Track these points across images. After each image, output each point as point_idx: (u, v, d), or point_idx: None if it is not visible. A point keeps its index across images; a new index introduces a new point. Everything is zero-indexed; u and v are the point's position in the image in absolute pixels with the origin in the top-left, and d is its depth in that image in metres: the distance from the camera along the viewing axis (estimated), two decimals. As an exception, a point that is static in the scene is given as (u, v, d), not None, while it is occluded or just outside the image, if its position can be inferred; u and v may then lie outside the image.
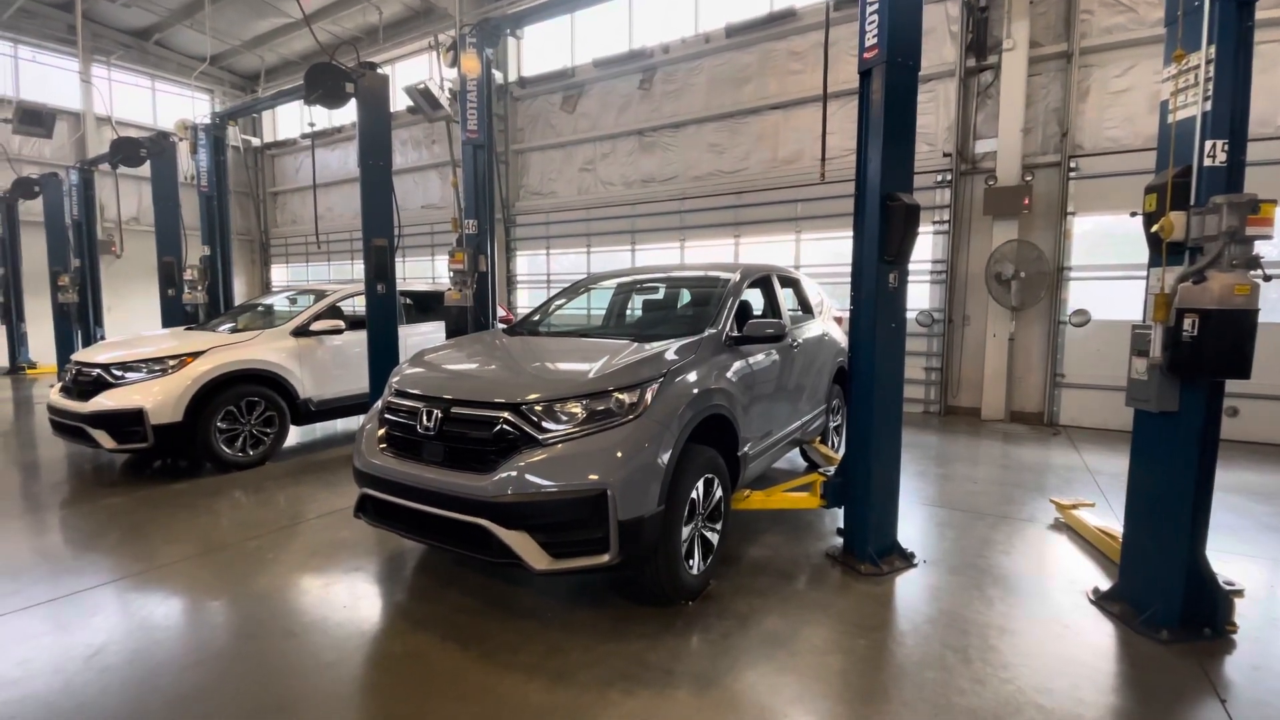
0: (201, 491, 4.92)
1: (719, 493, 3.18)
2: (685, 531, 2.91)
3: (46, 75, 13.47)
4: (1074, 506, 4.09)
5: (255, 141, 16.17)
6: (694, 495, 2.95)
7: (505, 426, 2.64)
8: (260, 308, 7.19)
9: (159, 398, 5.08)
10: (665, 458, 2.67)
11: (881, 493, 3.52)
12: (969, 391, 8.07)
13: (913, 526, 4.06)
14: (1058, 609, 2.99)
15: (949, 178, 7.91)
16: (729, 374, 3.37)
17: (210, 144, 7.44)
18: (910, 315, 8.09)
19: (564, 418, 2.64)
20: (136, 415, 5.01)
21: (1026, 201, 7.27)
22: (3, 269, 11.78)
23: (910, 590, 3.21)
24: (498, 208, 11.89)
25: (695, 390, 2.98)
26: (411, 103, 10.02)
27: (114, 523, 4.26)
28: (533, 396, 2.68)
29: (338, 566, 3.51)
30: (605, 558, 2.54)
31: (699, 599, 3.07)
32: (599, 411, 2.66)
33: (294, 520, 4.27)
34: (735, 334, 3.57)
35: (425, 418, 2.83)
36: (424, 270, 13.42)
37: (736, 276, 4.05)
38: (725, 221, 9.59)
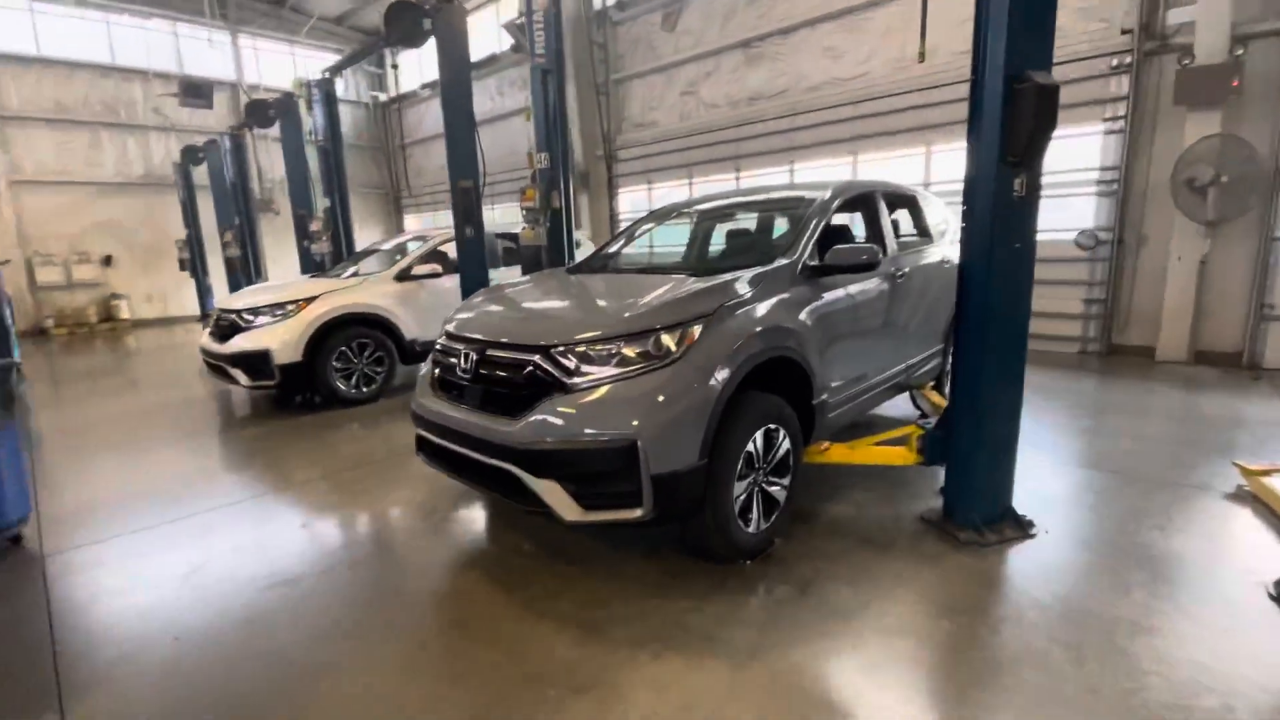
0: (323, 424, 5.38)
1: (785, 445, 2.82)
2: (740, 487, 2.61)
3: (203, 51, 14.97)
4: (1266, 473, 3.21)
5: (383, 97, 17.03)
6: (751, 448, 2.62)
7: (535, 370, 2.46)
8: (374, 254, 7.61)
9: (282, 339, 5.55)
10: (708, 406, 2.36)
11: (992, 448, 2.96)
12: (1141, 327, 6.72)
13: (1038, 489, 3.42)
14: (1222, 603, 2.34)
15: (1129, 60, 6.36)
16: (803, 311, 2.93)
17: (323, 99, 7.82)
18: (1067, 236, 6.83)
19: (595, 361, 2.40)
20: (264, 356, 5.52)
21: (1235, 83, 5.66)
22: (187, 229, 13.58)
23: (1020, 567, 2.69)
24: (598, 144, 11.65)
25: (753, 330, 2.60)
26: (514, 41, 9.89)
27: (252, 450, 4.78)
28: (562, 338, 2.46)
29: (421, 499, 3.64)
30: (638, 512, 2.33)
31: (759, 559, 2.78)
32: (634, 354, 2.39)
33: (390, 454, 4.51)
34: (815, 263, 3.09)
35: (464, 360, 2.74)
36: (534, 212, 13.56)
37: (824, 196, 3.49)
38: (841, 137, 8.57)
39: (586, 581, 2.69)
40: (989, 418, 2.93)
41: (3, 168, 12.68)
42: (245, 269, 11.29)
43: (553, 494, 2.36)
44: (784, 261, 3.02)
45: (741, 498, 2.65)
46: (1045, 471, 3.69)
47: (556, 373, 2.41)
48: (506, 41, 12.58)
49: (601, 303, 2.86)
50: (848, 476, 3.63)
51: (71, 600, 2.75)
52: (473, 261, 5.70)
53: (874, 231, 3.93)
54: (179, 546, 3.21)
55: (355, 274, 6.60)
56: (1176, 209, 6.07)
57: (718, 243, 4.48)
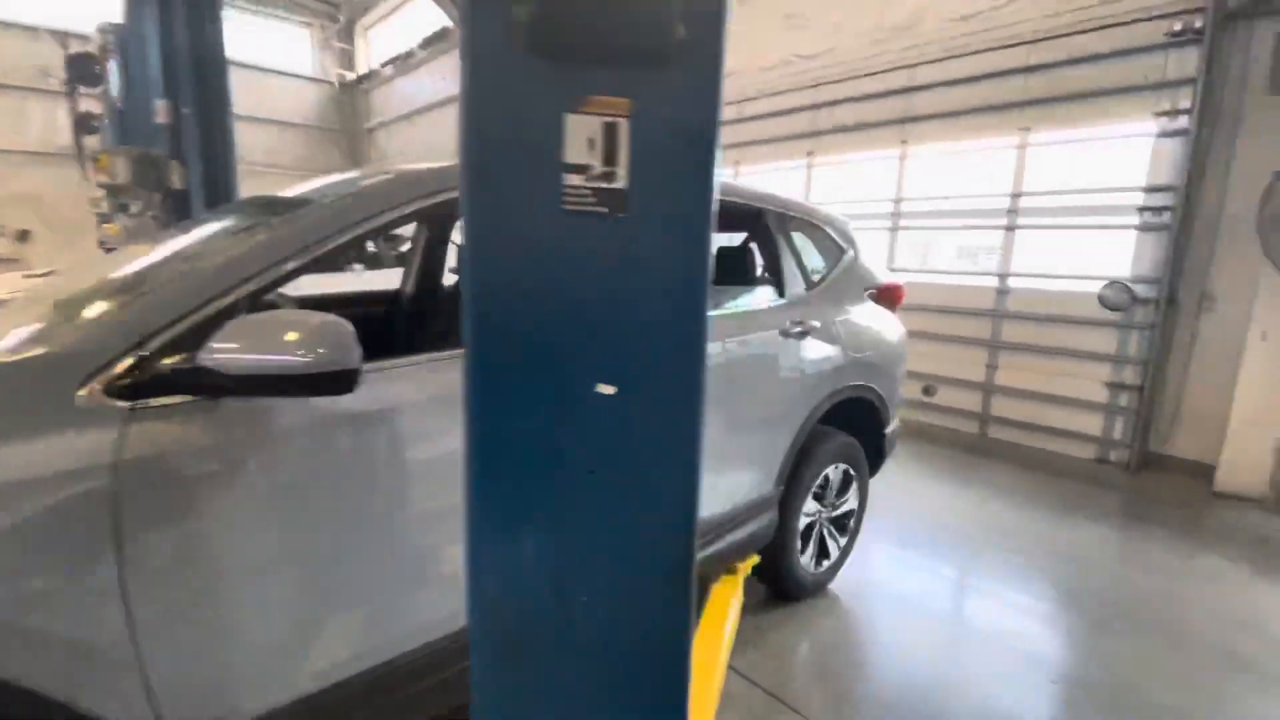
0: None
1: None
2: None
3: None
4: None
5: (350, 76, 15.62)
6: None
7: None
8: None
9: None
10: None
11: None
12: (1195, 433, 4.42)
13: None
14: None
15: (1199, 24, 4.10)
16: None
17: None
18: (1087, 289, 4.58)
19: None
20: None
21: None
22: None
23: None
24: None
25: None
26: None
27: None
28: None
29: None
30: None
31: None
32: None
33: None
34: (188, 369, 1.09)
35: None
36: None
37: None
38: (799, 132, 6.46)
39: None
40: None
41: (-88, 132, 11.66)
42: (123, 255, 9.84)
43: None
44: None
45: None
46: None
47: None
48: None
49: None
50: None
51: None
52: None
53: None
54: None
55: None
56: (1264, 258, 3.80)
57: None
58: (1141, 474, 4.50)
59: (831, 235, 2.85)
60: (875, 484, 3.04)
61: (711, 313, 1.84)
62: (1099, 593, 2.89)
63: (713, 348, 2.06)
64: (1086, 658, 2.45)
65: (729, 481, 2.16)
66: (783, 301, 2.45)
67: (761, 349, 2.24)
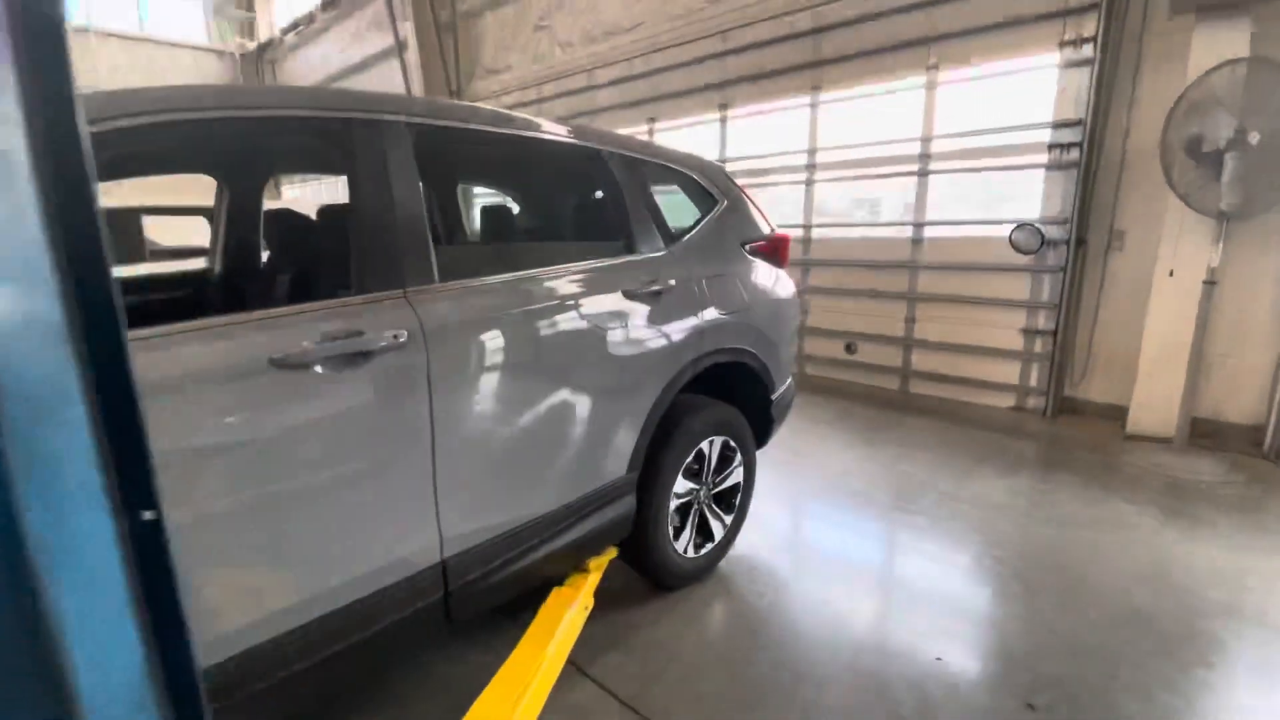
0: None
1: None
2: None
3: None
4: None
5: (251, 44, 14.47)
6: None
7: None
8: None
9: None
10: None
11: None
12: (1108, 376, 4.35)
13: None
14: None
15: (1102, -57, 3.88)
16: None
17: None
18: (999, 232, 4.41)
19: None
20: None
21: (1289, -40, 3.21)
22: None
23: None
24: (445, 97, 9.17)
25: None
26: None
27: None
28: None
29: None
30: None
31: None
32: None
33: None
34: None
35: None
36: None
37: None
38: (710, 82, 6.10)
39: None
40: None
41: None
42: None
43: None
44: None
45: None
46: None
47: None
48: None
49: None
50: None
51: None
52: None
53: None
54: None
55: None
56: (1170, 190, 3.66)
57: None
58: (1058, 420, 4.43)
59: (700, 183, 2.55)
60: (787, 449, 2.80)
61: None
62: (1002, 552, 2.74)
63: (536, 319, 1.75)
64: (979, 626, 2.28)
65: (563, 470, 1.87)
66: (631, 258, 2.14)
67: (599, 313, 1.93)
